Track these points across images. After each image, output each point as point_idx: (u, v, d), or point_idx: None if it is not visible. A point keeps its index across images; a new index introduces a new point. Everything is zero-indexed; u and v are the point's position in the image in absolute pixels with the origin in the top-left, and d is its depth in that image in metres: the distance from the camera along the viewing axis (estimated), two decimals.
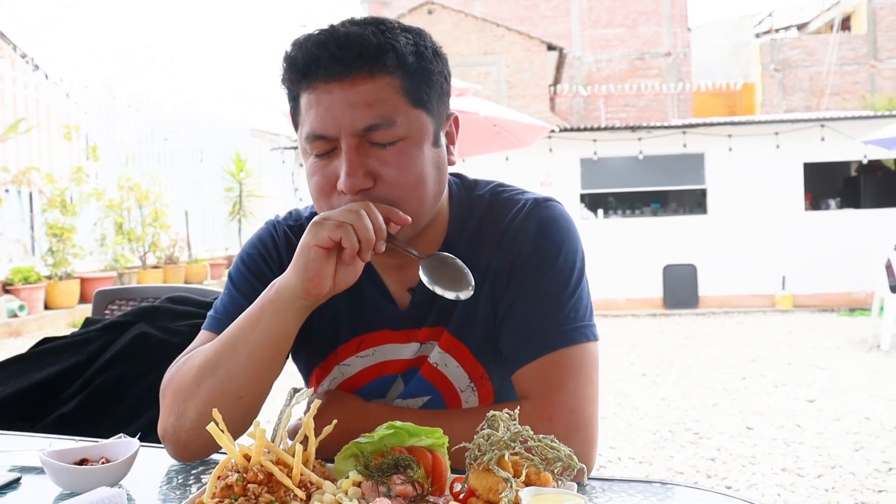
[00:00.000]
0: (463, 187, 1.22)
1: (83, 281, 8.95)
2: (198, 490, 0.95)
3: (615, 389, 5.61)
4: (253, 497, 0.83)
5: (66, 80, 10.53)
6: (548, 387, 1.06)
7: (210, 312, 1.20)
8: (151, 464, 1.09)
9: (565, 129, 11.20)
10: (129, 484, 1.01)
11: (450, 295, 1.01)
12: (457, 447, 0.90)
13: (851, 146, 10.42)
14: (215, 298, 1.41)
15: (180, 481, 1.03)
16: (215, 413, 0.86)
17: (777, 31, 24.86)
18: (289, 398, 0.93)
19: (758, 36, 24.03)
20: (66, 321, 8.39)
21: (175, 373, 1.11)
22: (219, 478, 0.85)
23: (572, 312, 1.10)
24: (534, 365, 1.08)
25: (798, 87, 20.87)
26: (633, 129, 10.93)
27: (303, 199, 11.47)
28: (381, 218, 0.98)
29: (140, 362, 1.61)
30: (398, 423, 0.90)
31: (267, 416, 1.05)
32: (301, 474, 0.86)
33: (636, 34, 21.65)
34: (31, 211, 9.66)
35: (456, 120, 1.16)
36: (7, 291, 8.00)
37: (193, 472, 1.06)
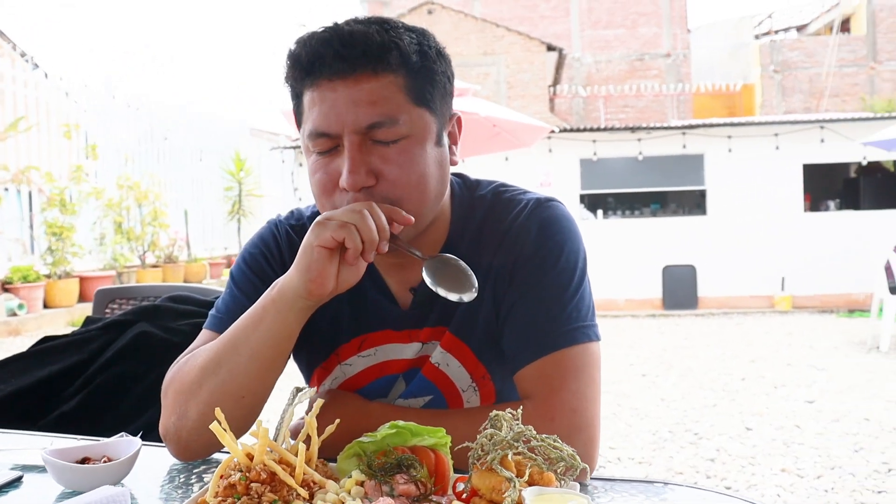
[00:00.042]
0: (465, 187, 1.22)
1: (82, 280, 8.95)
2: (200, 489, 0.95)
3: (615, 390, 5.61)
4: (256, 496, 0.83)
5: (65, 79, 10.52)
6: (550, 387, 1.06)
7: (211, 312, 1.20)
8: (153, 462, 1.09)
9: (565, 130, 11.21)
10: (130, 483, 1.01)
11: (453, 297, 1.01)
12: (459, 447, 0.90)
13: (851, 148, 10.44)
14: (216, 298, 1.41)
15: (182, 480, 1.03)
16: (218, 412, 0.86)
17: (776, 32, 24.89)
18: (291, 397, 0.93)
19: (757, 37, 24.06)
20: (65, 320, 8.39)
21: (177, 372, 1.11)
22: (221, 477, 0.85)
23: (574, 312, 1.10)
24: (536, 365, 1.08)
25: (797, 88, 20.89)
26: (633, 129, 10.94)
27: (302, 199, 11.47)
28: (384, 218, 0.98)
29: (141, 361, 1.61)
30: (401, 422, 0.90)
31: (268, 416, 1.05)
32: (304, 473, 0.86)
33: (636, 35, 21.66)
34: (31, 210, 9.66)
35: (459, 120, 1.16)
36: (6, 290, 7.99)
37: (195, 470, 1.06)
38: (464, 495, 0.85)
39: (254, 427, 0.88)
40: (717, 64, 23.27)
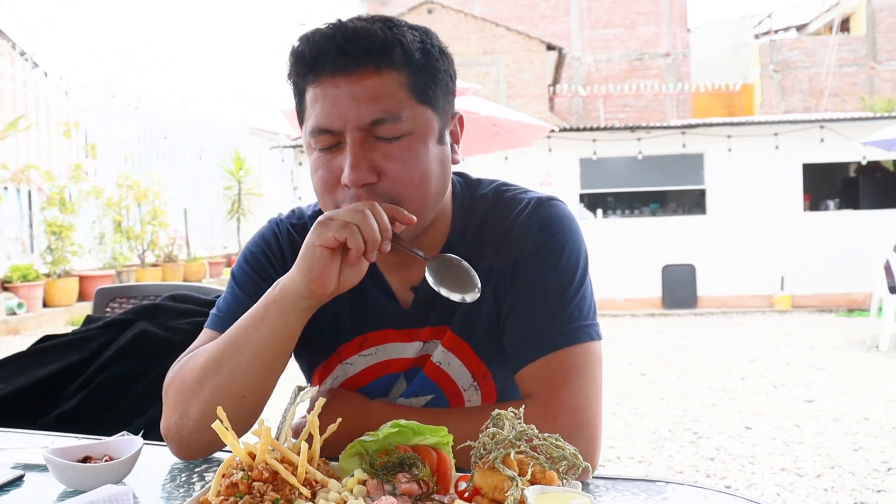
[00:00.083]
0: (466, 186, 1.22)
1: (82, 279, 8.95)
2: (201, 488, 0.95)
3: (614, 389, 5.61)
4: (258, 495, 0.83)
5: (65, 78, 10.52)
6: (551, 386, 1.06)
7: (213, 311, 1.20)
8: (154, 461, 1.09)
9: (565, 129, 11.21)
10: (132, 482, 1.00)
11: (455, 297, 1.01)
12: (461, 446, 0.90)
13: (850, 147, 10.44)
14: (217, 297, 1.41)
15: (184, 479, 1.02)
16: (220, 411, 0.86)
17: (776, 32, 24.89)
18: (293, 396, 0.93)
19: (757, 37, 24.06)
20: (64, 319, 8.39)
21: (178, 372, 1.11)
22: (224, 476, 0.85)
23: (576, 311, 1.10)
24: (537, 364, 1.08)
25: (797, 88, 20.89)
26: (633, 129, 10.93)
27: (302, 198, 11.46)
28: (386, 218, 0.98)
29: (141, 360, 1.61)
30: (403, 421, 0.90)
31: (269, 415, 1.05)
32: (306, 472, 0.86)
33: (635, 34, 21.67)
34: (30, 209, 9.65)
35: (461, 119, 1.16)
36: (6, 289, 7.99)
37: (197, 469, 1.06)
38: (466, 494, 0.85)
39: (256, 426, 0.88)
40: (716, 63, 23.28)
